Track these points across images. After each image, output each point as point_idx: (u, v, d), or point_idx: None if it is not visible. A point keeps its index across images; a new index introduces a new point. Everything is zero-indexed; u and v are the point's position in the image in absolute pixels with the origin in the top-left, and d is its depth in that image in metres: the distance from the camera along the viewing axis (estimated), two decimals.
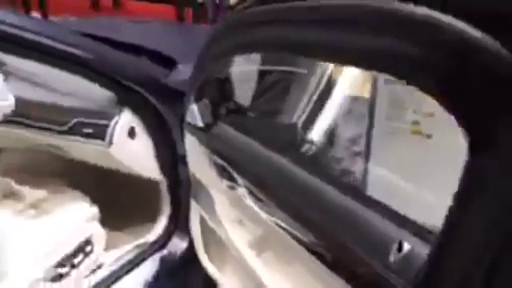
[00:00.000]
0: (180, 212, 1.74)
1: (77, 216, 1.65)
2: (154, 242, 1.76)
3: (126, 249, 1.73)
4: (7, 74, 1.75)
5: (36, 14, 5.89)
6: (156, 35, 2.40)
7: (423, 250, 0.71)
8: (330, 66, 1.58)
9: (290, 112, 1.53)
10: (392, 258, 0.77)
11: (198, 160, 1.42)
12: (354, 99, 1.66)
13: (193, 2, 6.18)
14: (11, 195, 1.77)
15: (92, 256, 1.64)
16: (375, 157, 2.08)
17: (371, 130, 2.04)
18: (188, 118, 1.34)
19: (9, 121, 1.58)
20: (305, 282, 1.06)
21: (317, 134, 1.48)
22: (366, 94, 1.73)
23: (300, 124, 1.46)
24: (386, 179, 2.05)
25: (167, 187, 1.74)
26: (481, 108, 0.49)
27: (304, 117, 1.48)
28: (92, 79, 1.50)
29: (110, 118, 1.55)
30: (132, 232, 1.83)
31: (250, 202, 1.16)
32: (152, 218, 1.82)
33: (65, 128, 1.58)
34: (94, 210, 1.69)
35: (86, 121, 1.57)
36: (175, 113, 1.58)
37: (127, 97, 1.57)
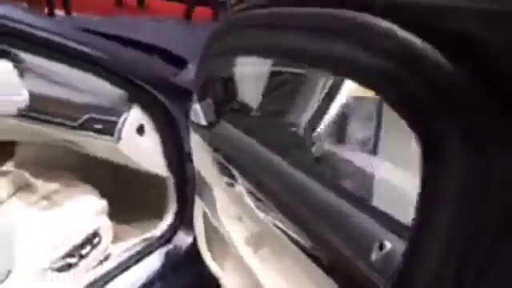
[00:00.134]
0: (186, 208, 1.78)
1: (86, 209, 1.71)
2: (160, 237, 1.80)
3: (133, 242, 1.77)
4: (26, 71, 1.82)
5: (60, 13, 6.03)
6: (170, 34, 2.45)
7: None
8: None
9: (295, 112, 1.54)
10: (374, 257, 0.78)
11: (201, 157, 1.45)
12: (361, 100, 1.67)
13: (213, 1, 6.19)
14: (26, 187, 1.85)
15: (100, 248, 1.69)
16: (383, 157, 2.08)
17: (379, 132, 2.04)
18: (192, 117, 1.37)
19: (24, 115, 1.65)
20: (298, 280, 1.09)
21: (322, 134, 1.50)
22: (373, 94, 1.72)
23: (304, 124, 1.48)
24: (393, 180, 2.04)
25: (174, 184, 1.78)
26: (424, 115, 0.50)
27: (309, 117, 1.50)
28: (103, 77, 1.55)
29: (119, 114, 1.60)
30: (140, 226, 1.88)
31: (247, 199, 1.19)
32: (159, 213, 1.86)
33: (77, 123, 1.63)
34: (103, 204, 1.75)
35: (97, 117, 1.62)
36: (183, 111, 1.62)
37: (137, 95, 1.61)
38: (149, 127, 1.66)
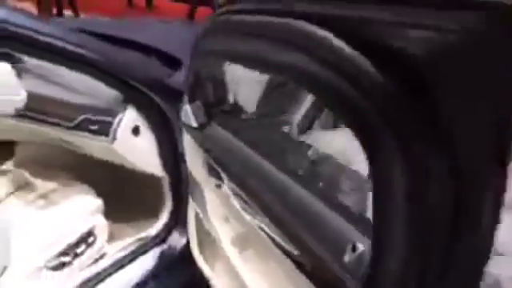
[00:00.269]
0: (181, 208, 1.79)
1: (81, 208, 1.73)
2: (155, 236, 1.82)
3: (129, 241, 1.79)
4: (24, 71, 1.85)
5: (68, 13, 6.10)
6: (173, 35, 2.46)
7: None
8: None
9: (287, 115, 1.55)
10: (347, 259, 0.79)
11: (193, 158, 1.47)
12: None
13: (213, 1, 6.19)
14: (25, 186, 1.88)
15: (94, 247, 1.71)
16: None
17: None
18: (183, 118, 1.38)
19: (22, 115, 1.67)
20: (280, 282, 1.09)
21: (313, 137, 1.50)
22: None
23: (294, 127, 1.48)
24: None
25: (169, 184, 1.79)
26: (355, 117, 0.52)
27: (300, 120, 1.51)
28: (98, 78, 1.57)
29: (114, 115, 1.62)
30: (136, 225, 1.90)
31: (233, 201, 1.20)
32: (155, 213, 1.88)
33: (73, 124, 1.65)
34: (99, 203, 1.77)
35: (93, 117, 1.64)
36: (177, 112, 1.64)
37: (132, 96, 1.63)
38: (144, 128, 1.68)
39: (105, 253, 1.77)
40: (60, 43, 1.52)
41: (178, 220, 1.83)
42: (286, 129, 1.43)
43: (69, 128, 1.67)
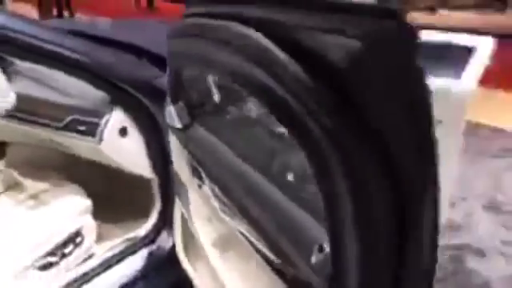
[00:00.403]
0: (170, 209, 1.80)
1: (69, 208, 1.74)
2: (144, 237, 1.82)
3: (117, 241, 1.80)
4: (14, 73, 1.87)
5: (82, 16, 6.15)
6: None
7: None
8: None
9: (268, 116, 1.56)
10: (314, 260, 0.79)
11: (178, 159, 1.47)
12: None
13: None
14: (15, 186, 1.89)
15: (82, 247, 1.72)
16: None
17: None
18: (168, 119, 1.39)
19: (12, 116, 1.69)
20: (259, 284, 1.10)
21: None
22: None
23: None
24: None
25: (158, 185, 1.80)
26: (286, 116, 0.53)
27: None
28: (85, 80, 1.58)
29: (101, 116, 1.63)
30: (125, 226, 1.90)
31: (214, 202, 1.20)
32: (146, 214, 1.89)
33: (61, 124, 1.66)
34: (87, 203, 1.78)
35: (81, 118, 1.65)
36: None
37: (119, 97, 1.64)
38: (132, 129, 1.68)
39: (93, 253, 1.77)
40: (49, 46, 1.53)
41: (166, 221, 1.83)
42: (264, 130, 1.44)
43: (58, 128, 1.68)
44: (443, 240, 2.26)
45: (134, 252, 1.81)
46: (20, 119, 1.73)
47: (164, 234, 1.84)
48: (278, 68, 0.50)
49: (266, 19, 0.54)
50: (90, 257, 1.76)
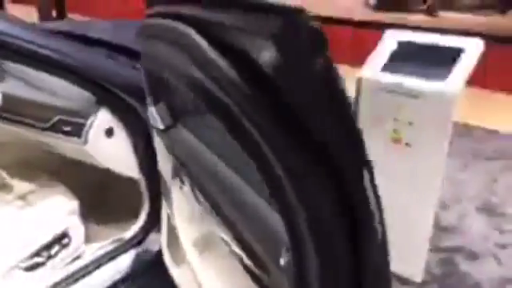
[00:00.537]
0: (158, 210, 1.79)
1: (56, 209, 1.74)
2: (132, 238, 1.82)
3: (105, 242, 1.80)
4: (2, 73, 1.87)
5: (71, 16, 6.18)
6: None
7: None
8: None
9: None
10: (282, 262, 0.79)
11: (162, 159, 1.47)
12: None
13: None
14: (3, 187, 1.89)
15: (70, 248, 1.72)
16: None
17: None
18: (151, 120, 1.39)
19: None
20: (235, 286, 1.09)
21: None
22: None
23: None
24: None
25: (146, 186, 1.79)
26: (216, 109, 0.53)
27: None
28: (70, 81, 1.58)
29: (87, 117, 1.62)
30: (116, 226, 1.90)
31: (194, 202, 1.20)
32: (135, 215, 1.89)
33: (47, 125, 1.66)
34: (74, 204, 1.78)
35: (67, 119, 1.64)
36: None
37: (105, 97, 1.63)
38: (118, 130, 1.68)
39: (81, 254, 1.77)
40: (35, 48, 1.53)
41: (155, 222, 1.83)
42: None
43: (44, 129, 1.68)
44: (436, 242, 2.25)
45: (121, 253, 1.81)
46: (6, 119, 1.73)
47: (152, 236, 1.84)
48: (213, 70, 0.51)
49: (202, 19, 0.54)
50: (78, 257, 1.76)
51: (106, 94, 1.63)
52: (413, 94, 1.77)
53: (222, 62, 0.50)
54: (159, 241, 1.83)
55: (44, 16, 6.26)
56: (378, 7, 5.91)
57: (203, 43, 0.52)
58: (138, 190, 1.86)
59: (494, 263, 2.23)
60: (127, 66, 1.82)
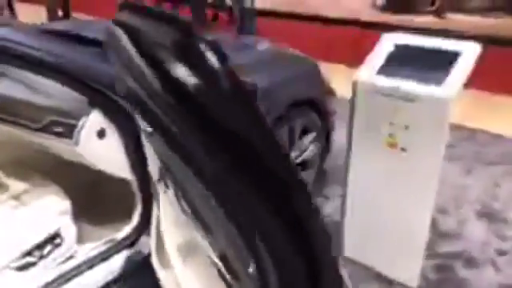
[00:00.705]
0: (150, 212, 1.79)
1: (48, 209, 1.75)
2: (124, 239, 1.82)
3: (98, 243, 1.80)
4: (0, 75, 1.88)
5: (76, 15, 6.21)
6: None
7: None
8: None
9: None
10: (251, 269, 0.78)
11: (151, 162, 1.47)
12: None
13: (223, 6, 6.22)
14: None
15: (62, 248, 1.72)
16: (354, 168, 2.05)
17: (351, 141, 2.02)
18: (139, 123, 1.38)
19: None
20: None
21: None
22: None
23: None
24: (364, 189, 2.02)
25: (138, 187, 1.79)
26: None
27: None
28: (61, 82, 1.58)
29: (78, 118, 1.63)
30: (108, 227, 1.91)
31: (177, 207, 1.19)
32: (128, 215, 1.89)
33: (40, 126, 1.67)
34: (67, 205, 1.78)
35: (59, 120, 1.65)
36: None
37: (96, 99, 1.64)
38: (110, 131, 1.68)
39: (73, 254, 1.78)
40: (28, 50, 1.53)
41: (147, 223, 1.83)
42: None
43: (36, 130, 1.68)
44: (435, 247, 2.21)
45: (114, 254, 1.81)
46: (1, 119, 1.74)
47: (144, 238, 1.84)
48: (139, 76, 0.50)
49: (131, 26, 0.53)
50: (71, 257, 1.76)
51: (98, 95, 1.63)
52: (409, 98, 1.75)
53: (149, 71, 0.50)
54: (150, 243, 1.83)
55: (52, 15, 6.31)
56: (386, 8, 5.88)
57: (132, 49, 0.52)
58: (131, 190, 1.86)
59: (493, 270, 2.19)
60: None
